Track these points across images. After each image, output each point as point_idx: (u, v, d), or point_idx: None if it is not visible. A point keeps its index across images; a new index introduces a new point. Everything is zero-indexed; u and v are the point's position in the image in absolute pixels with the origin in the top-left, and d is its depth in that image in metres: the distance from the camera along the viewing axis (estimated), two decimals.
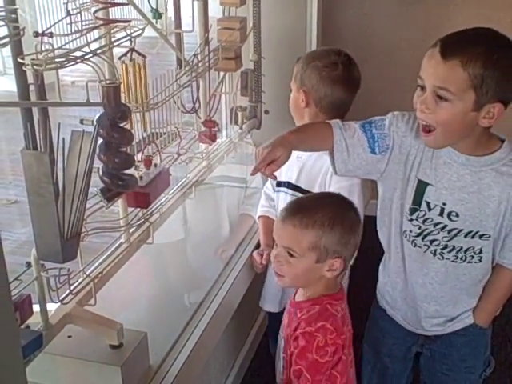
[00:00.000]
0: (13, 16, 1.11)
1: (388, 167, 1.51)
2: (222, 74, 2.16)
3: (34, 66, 1.12)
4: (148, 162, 1.55)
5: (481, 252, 1.51)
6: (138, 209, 1.57)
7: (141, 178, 1.52)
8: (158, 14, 1.58)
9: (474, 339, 1.65)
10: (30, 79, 1.17)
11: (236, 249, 2.06)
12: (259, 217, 2.05)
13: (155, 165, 1.59)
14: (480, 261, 1.52)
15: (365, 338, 1.82)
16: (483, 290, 1.60)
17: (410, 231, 1.53)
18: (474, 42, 1.31)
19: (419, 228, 1.51)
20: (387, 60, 3.06)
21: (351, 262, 1.56)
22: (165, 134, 1.70)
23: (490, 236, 1.48)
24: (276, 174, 1.86)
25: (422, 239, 1.52)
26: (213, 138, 1.99)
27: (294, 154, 1.80)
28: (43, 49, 1.15)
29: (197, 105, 1.97)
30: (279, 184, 1.93)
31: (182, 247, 2.04)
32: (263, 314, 2.51)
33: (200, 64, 1.90)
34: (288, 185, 1.90)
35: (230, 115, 2.42)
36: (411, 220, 1.52)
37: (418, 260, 1.56)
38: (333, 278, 1.45)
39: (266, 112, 2.49)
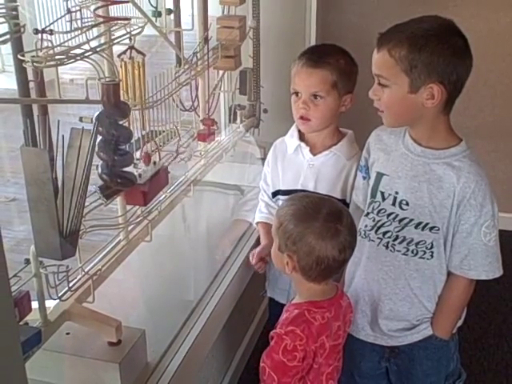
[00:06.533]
0: (13, 13, 1.11)
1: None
2: (221, 72, 2.17)
3: (34, 63, 1.12)
4: (147, 157, 1.55)
5: (432, 247, 1.52)
6: (137, 206, 1.57)
7: (139, 175, 1.52)
8: (157, 12, 1.58)
9: (435, 352, 1.62)
10: (30, 76, 1.18)
11: (235, 244, 2.06)
12: (258, 222, 1.98)
13: (154, 163, 1.59)
14: (432, 256, 1.53)
15: None
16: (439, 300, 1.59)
17: (366, 226, 1.59)
18: (404, 29, 1.40)
19: (373, 220, 1.57)
20: None
21: None
22: (164, 132, 1.71)
23: (439, 229, 1.50)
24: (280, 182, 1.88)
25: (376, 231, 1.57)
26: (211, 137, 1.99)
27: (306, 162, 1.83)
28: (43, 46, 1.15)
29: (196, 103, 1.98)
30: (287, 193, 1.83)
31: (181, 245, 2.04)
32: (261, 311, 2.52)
33: (199, 62, 1.91)
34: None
35: (228, 114, 2.42)
36: (367, 214, 1.59)
37: (371, 256, 1.59)
38: (322, 286, 1.42)
39: (265, 111, 2.49)
